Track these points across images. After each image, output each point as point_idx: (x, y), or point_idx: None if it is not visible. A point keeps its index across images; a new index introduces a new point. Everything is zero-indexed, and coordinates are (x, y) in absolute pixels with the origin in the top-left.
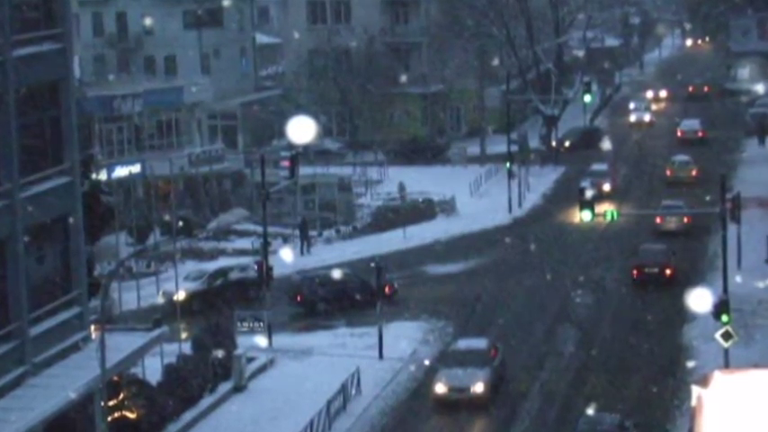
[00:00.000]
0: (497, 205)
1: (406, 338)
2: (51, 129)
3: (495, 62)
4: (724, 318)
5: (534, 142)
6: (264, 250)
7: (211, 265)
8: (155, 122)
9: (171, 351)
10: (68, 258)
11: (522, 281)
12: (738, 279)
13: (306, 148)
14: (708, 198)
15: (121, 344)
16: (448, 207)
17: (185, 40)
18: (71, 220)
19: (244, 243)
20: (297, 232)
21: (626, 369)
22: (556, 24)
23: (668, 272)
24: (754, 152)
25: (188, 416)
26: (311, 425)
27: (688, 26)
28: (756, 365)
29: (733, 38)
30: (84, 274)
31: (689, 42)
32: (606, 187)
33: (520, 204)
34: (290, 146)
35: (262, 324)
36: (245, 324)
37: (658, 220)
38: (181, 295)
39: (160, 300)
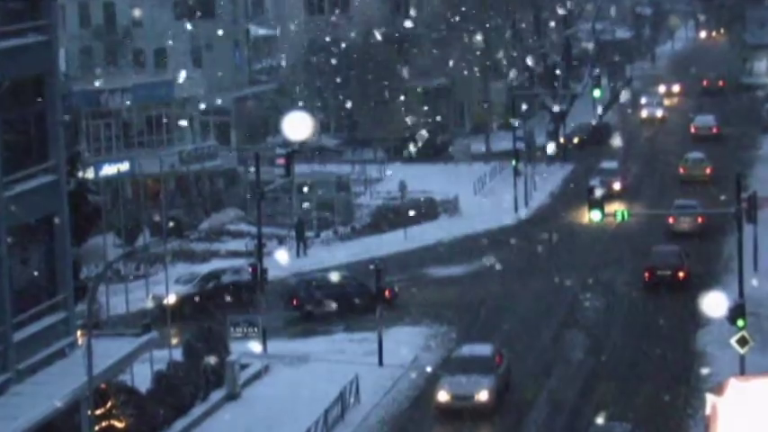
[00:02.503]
0: (502, 205)
1: (406, 344)
2: (36, 125)
3: (501, 55)
4: (740, 322)
5: (541, 139)
6: (259, 252)
7: (203, 268)
8: (144, 118)
9: (161, 357)
10: (54, 260)
11: (528, 284)
12: (754, 282)
13: (302, 145)
14: (723, 197)
15: (109, 350)
16: (451, 207)
17: (176, 32)
18: (56, 220)
19: (237, 244)
20: (293, 233)
21: (637, 376)
22: (564, 15)
23: (681, 274)
24: None
25: (179, 425)
26: None
27: (702, 17)
28: None
29: (749, 30)
30: (71, 276)
31: (703, 34)
32: (616, 186)
33: (526, 204)
34: (286, 143)
35: (256, 329)
36: (239, 329)
37: (671, 220)
38: (171, 299)
39: (150, 304)
